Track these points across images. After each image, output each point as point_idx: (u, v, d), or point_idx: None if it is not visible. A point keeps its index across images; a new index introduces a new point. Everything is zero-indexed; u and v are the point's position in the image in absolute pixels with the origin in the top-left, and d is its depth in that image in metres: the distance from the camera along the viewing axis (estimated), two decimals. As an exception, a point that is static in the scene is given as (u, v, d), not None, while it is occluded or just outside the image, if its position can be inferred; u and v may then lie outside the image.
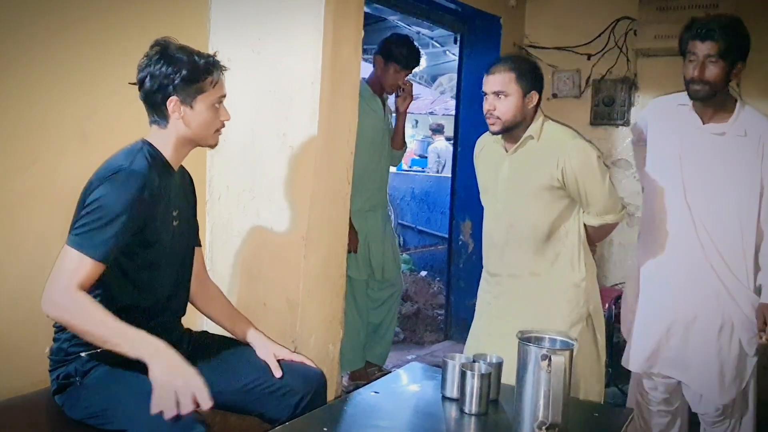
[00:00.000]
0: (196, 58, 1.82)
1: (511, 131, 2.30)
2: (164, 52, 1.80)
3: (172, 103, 1.80)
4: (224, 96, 1.89)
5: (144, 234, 1.77)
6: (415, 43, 3.45)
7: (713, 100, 2.25)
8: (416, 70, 3.97)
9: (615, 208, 2.30)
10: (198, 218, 2.14)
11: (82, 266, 1.66)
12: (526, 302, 2.34)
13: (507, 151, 2.35)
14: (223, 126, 1.92)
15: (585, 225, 2.35)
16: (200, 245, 2.13)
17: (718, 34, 2.16)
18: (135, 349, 1.63)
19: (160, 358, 1.62)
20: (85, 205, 1.70)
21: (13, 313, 2.04)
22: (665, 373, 2.45)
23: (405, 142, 3.58)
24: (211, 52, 1.91)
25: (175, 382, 1.58)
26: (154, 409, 1.56)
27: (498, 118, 2.26)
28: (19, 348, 2.03)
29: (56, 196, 1.93)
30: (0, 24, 1.95)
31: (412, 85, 3.43)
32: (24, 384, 1.96)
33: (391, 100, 3.55)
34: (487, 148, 2.47)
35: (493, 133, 2.34)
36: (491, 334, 2.37)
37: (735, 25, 2.22)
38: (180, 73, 1.78)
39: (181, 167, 2.00)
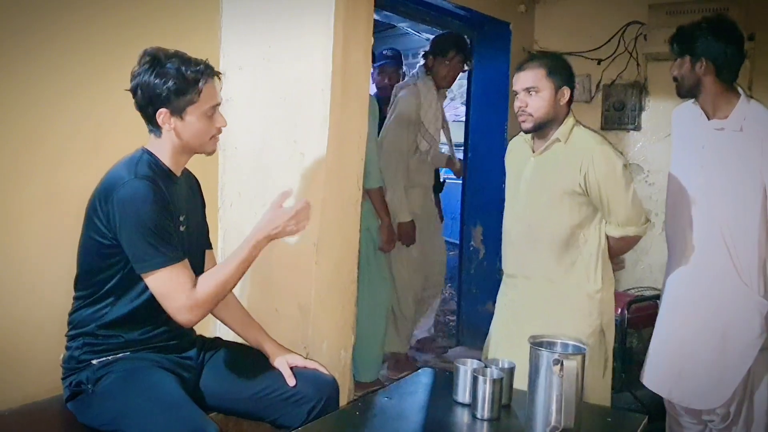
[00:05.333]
0: (184, 68, 1.77)
1: (542, 130, 2.28)
2: (153, 62, 1.78)
3: (162, 115, 1.79)
4: (218, 104, 1.86)
5: None
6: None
7: (710, 96, 2.32)
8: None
9: (638, 220, 2.25)
10: (210, 225, 2.15)
11: (181, 275, 1.74)
12: (540, 307, 2.31)
13: (534, 152, 2.33)
14: (220, 132, 1.90)
15: (607, 236, 2.30)
16: (211, 248, 2.14)
17: (676, 39, 2.36)
18: (249, 250, 1.86)
19: (259, 232, 1.86)
20: (128, 236, 1.73)
21: (27, 320, 2.05)
22: (654, 390, 2.46)
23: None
24: (222, 59, 1.92)
25: (280, 220, 1.86)
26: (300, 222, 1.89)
27: (530, 114, 2.24)
28: (32, 355, 2.04)
29: (70, 205, 1.95)
30: (16, 35, 1.98)
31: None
32: (38, 391, 1.98)
33: None
34: (516, 149, 2.46)
35: (525, 131, 2.31)
36: (507, 337, 2.35)
37: (694, 29, 2.32)
38: (167, 86, 1.76)
39: (186, 171, 2.01)
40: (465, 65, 3.82)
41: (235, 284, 1.87)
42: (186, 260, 1.78)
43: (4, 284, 2.01)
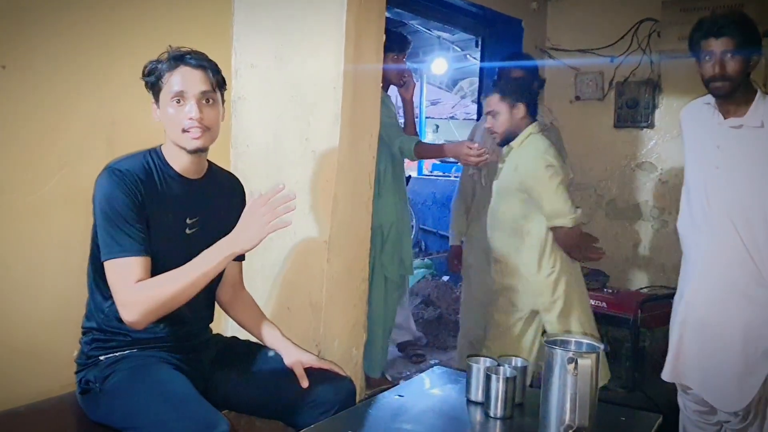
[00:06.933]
0: (166, 56, 1.80)
1: (508, 142, 2.79)
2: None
3: (152, 103, 1.82)
4: (181, 92, 1.76)
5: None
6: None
7: (734, 95, 2.24)
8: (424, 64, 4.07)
9: (562, 212, 2.65)
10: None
11: (127, 267, 1.69)
12: (495, 287, 2.90)
13: (501, 163, 2.86)
14: (198, 127, 1.77)
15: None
16: (239, 259, 2.08)
17: (731, 30, 2.18)
18: (218, 257, 1.70)
19: (237, 242, 1.69)
20: (95, 222, 1.74)
21: (42, 317, 2.07)
22: (680, 381, 2.43)
23: (417, 132, 3.56)
24: (234, 58, 1.89)
25: (259, 216, 1.66)
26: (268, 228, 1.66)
27: (496, 132, 2.80)
28: (47, 352, 2.05)
29: (84, 203, 1.95)
30: (31, 35, 1.99)
31: (411, 73, 3.45)
32: (52, 387, 1.99)
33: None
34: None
35: (498, 146, 2.87)
36: None
37: (744, 20, 2.23)
38: (144, 70, 1.80)
39: (224, 174, 2.02)
40: (534, 78, 3.44)
41: (188, 299, 1.73)
42: (144, 258, 1.71)
43: (19, 282, 2.02)
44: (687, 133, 2.48)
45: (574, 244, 2.74)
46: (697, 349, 2.38)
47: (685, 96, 3.76)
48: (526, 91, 2.79)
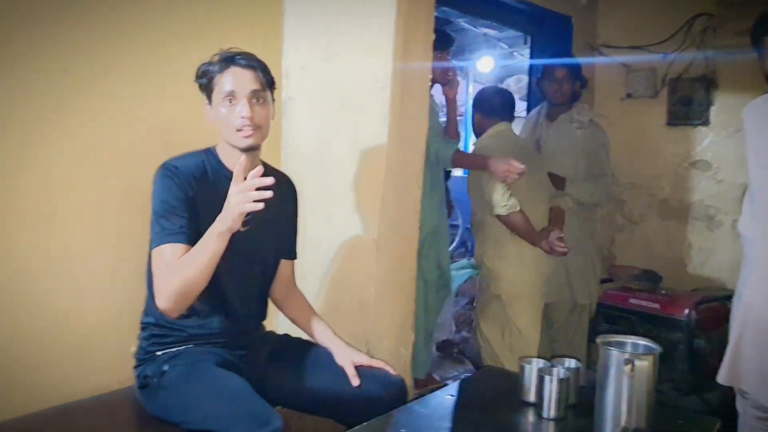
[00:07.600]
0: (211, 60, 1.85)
1: None
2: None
3: (205, 104, 1.87)
4: (233, 92, 1.80)
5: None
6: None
7: None
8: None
9: (495, 201, 2.89)
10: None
11: (167, 252, 1.73)
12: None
13: None
14: (249, 126, 1.80)
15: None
16: (291, 257, 2.13)
17: None
18: (212, 237, 1.68)
19: (222, 220, 1.68)
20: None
21: (101, 312, 2.13)
22: (736, 385, 2.35)
23: (458, 131, 3.50)
24: (284, 59, 1.91)
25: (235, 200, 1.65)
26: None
27: None
28: (107, 347, 2.11)
29: (140, 200, 2.00)
30: (92, 40, 2.05)
31: (456, 71, 3.41)
32: (111, 381, 2.04)
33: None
34: None
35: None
36: None
37: None
38: (197, 72, 1.85)
39: (279, 174, 2.05)
40: (577, 78, 3.38)
41: (206, 281, 1.73)
42: (185, 246, 1.74)
43: (80, 279, 2.08)
44: (749, 131, 2.40)
45: (519, 233, 2.94)
46: (755, 351, 2.31)
47: (741, 92, 3.65)
48: (477, 103, 3.24)
